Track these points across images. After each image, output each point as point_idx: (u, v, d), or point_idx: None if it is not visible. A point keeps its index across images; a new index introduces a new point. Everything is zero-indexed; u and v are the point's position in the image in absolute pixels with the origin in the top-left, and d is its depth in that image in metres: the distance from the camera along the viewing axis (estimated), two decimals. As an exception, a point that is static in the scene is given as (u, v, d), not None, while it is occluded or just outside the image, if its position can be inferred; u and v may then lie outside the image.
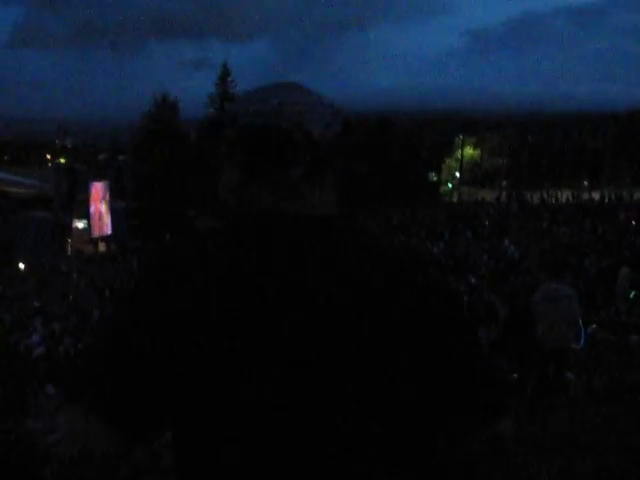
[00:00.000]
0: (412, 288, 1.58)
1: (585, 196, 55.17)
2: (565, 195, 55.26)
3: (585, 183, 70.81)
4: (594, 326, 12.73)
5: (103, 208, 55.31)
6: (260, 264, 1.52)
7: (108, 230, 55.48)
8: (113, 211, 55.81)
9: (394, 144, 71.23)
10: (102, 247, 55.22)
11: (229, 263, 1.51)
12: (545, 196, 55.16)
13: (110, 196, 56.22)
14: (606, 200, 51.18)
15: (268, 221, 1.60)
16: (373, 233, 1.71)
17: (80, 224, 57.87)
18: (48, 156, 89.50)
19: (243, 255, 1.52)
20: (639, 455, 5.30)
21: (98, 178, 57.31)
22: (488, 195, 57.54)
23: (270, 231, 1.59)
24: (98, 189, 55.33)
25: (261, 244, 1.55)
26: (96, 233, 54.70)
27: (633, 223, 32.02)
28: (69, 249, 52.63)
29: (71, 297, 34.01)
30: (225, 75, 65.12)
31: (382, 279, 1.56)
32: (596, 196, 54.06)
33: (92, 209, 53.99)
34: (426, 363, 1.57)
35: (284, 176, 1.63)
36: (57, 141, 56.91)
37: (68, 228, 54.14)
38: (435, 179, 78.50)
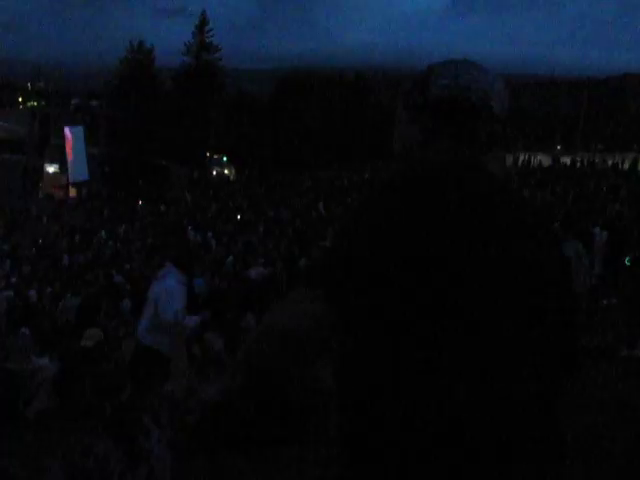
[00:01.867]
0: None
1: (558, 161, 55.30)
2: (538, 159, 55.45)
3: (558, 148, 70.96)
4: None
5: (79, 154, 54.78)
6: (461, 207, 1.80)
7: (85, 175, 54.99)
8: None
9: (369, 101, 71.03)
10: (73, 192, 54.80)
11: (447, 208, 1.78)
12: (522, 159, 55.40)
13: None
14: (578, 165, 51.49)
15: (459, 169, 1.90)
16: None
17: (51, 168, 57.30)
18: (20, 99, 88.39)
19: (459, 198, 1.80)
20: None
21: (71, 123, 56.66)
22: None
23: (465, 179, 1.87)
24: (76, 135, 54.75)
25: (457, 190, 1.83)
26: (74, 178, 54.18)
27: (604, 189, 32.31)
28: (40, 193, 52.23)
29: (41, 241, 33.83)
30: (203, 24, 64.39)
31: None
32: (568, 161, 54.30)
33: (70, 154, 53.43)
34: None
35: (465, 140, 1.95)
36: (29, 84, 56.10)
37: (39, 172, 53.66)
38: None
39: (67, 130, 54.21)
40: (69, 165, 53.64)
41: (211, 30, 64.62)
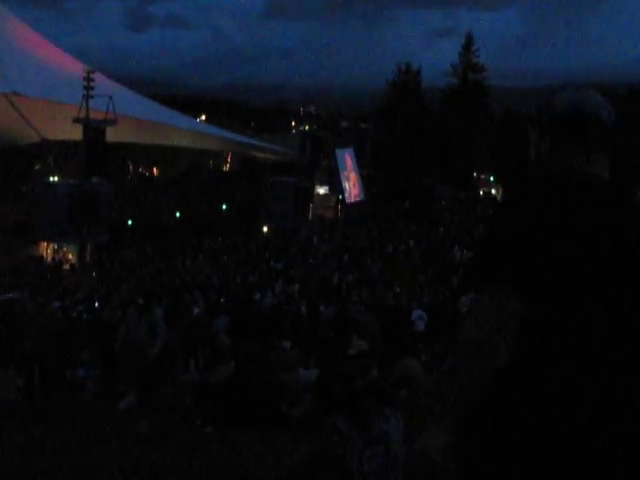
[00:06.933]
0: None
1: None
2: None
3: None
4: None
5: (354, 175, 56.24)
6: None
7: (361, 195, 56.35)
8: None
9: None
10: (338, 213, 56.19)
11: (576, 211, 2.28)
12: None
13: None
14: None
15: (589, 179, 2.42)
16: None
17: (322, 190, 59.11)
18: (293, 123, 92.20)
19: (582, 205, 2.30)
20: None
21: (340, 145, 58.24)
22: None
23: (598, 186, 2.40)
24: (349, 156, 56.31)
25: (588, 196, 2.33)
26: (351, 199, 55.61)
27: None
28: (310, 214, 53.88)
29: (311, 261, 34.83)
30: (469, 44, 64.31)
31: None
32: None
33: (344, 176, 54.91)
34: None
35: (583, 146, 2.49)
36: (302, 108, 58.17)
37: (310, 193, 55.43)
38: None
39: (339, 152, 55.69)
40: (344, 186, 55.03)
41: (477, 50, 64.41)
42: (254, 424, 8.58)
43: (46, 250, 45.69)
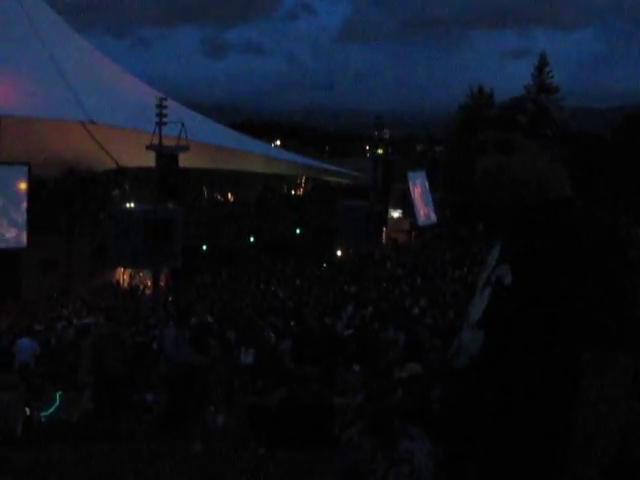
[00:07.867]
0: None
1: None
2: None
3: None
4: None
5: (426, 198, 55.91)
6: None
7: (434, 218, 55.92)
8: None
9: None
10: (414, 237, 55.96)
11: None
12: None
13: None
14: None
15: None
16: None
17: (395, 213, 58.96)
18: (367, 147, 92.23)
19: None
20: None
21: (414, 169, 58.05)
22: None
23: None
24: (420, 180, 56.05)
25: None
26: (424, 223, 55.26)
27: None
28: (384, 237, 53.72)
29: (384, 284, 34.73)
30: (542, 65, 63.69)
31: None
32: None
33: (416, 199, 54.66)
34: None
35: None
36: (375, 132, 58.24)
37: (383, 217, 55.31)
38: None
39: (412, 175, 55.48)
40: (416, 210, 54.75)
41: (551, 71, 63.78)
42: (306, 447, 8.59)
43: (122, 275, 46.45)
